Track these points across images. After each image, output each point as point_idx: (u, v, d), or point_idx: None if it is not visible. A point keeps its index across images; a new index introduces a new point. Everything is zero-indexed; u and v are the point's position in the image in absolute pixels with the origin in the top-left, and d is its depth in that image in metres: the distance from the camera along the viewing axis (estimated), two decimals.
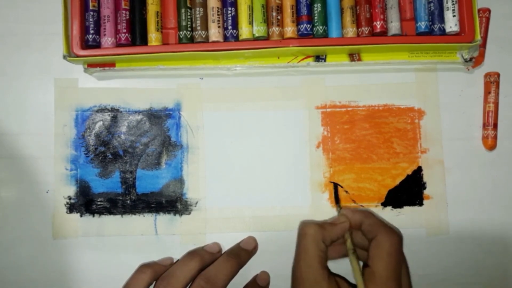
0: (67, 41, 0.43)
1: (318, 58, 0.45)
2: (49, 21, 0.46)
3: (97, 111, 0.46)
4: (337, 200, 0.44)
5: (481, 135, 0.46)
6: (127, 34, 0.43)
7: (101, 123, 0.45)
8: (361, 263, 0.39)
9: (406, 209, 0.45)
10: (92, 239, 0.45)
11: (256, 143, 0.46)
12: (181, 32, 0.44)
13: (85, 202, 0.45)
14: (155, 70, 0.45)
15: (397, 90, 0.46)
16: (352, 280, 0.39)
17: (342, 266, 0.41)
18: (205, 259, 0.41)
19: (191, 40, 0.44)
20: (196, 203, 0.45)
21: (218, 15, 0.43)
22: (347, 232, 0.40)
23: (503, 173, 0.46)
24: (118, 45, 0.43)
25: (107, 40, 0.43)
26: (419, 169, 0.45)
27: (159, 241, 0.45)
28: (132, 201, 0.45)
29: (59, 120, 0.45)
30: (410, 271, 0.39)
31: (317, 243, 0.38)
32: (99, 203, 0.45)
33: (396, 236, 0.38)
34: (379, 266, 0.37)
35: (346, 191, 0.45)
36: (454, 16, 0.43)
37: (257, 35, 0.43)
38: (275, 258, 0.44)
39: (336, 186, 0.45)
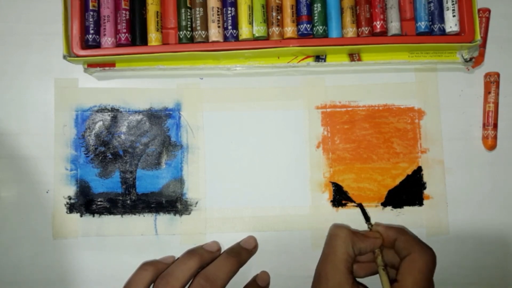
0: (67, 41, 0.43)
1: (318, 58, 0.45)
2: (49, 21, 0.46)
3: (97, 111, 0.46)
4: (366, 217, 0.44)
5: (481, 135, 0.46)
6: (127, 34, 0.43)
7: (101, 123, 0.45)
8: None
9: (406, 209, 0.45)
10: (92, 239, 0.45)
11: (256, 143, 0.45)
12: (181, 32, 0.44)
13: (85, 202, 0.45)
14: (155, 70, 0.45)
15: (397, 90, 0.46)
16: None
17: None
18: (204, 257, 0.41)
19: (191, 40, 0.44)
20: (196, 203, 0.45)
21: (218, 15, 0.43)
22: (378, 249, 0.40)
23: (503, 173, 0.45)
24: (118, 45, 0.43)
25: (107, 40, 0.43)
26: (419, 169, 0.45)
27: (159, 241, 0.45)
28: (132, 201, 0.45)
29: (59, 120, 0.45)
30: None
31: (346, 246, 0.39)
32: (99, 203, 0.45)
33: (430, 255, 0.38)
34: (409, 281, 0.37)
35: (346, 191, 0.45)
36: (454, 16, 0.43)
37: (257, 35, 0.43)
38: (275, 258, 0.44)
39: (361, 205, 0.44)
